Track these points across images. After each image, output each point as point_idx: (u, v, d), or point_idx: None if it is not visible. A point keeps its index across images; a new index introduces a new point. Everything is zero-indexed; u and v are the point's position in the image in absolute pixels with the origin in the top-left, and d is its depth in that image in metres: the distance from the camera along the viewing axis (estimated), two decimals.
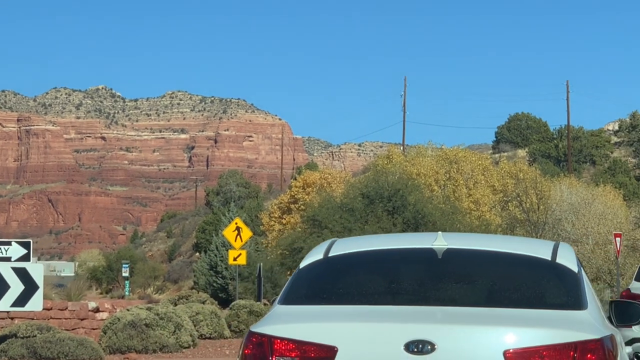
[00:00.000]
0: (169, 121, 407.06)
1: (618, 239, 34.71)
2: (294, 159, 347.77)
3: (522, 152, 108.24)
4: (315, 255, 7.53)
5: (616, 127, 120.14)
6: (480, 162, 65.06)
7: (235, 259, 43.65)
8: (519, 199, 45.46)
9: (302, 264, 7.47)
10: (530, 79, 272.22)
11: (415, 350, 6.30)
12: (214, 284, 77.82)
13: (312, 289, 7.21)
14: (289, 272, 62.65)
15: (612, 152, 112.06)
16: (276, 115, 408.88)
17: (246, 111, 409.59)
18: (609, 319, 7.73)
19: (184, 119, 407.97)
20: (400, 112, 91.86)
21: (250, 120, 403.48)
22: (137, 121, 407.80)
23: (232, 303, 33.93)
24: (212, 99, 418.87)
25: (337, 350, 6.38)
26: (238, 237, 44.92)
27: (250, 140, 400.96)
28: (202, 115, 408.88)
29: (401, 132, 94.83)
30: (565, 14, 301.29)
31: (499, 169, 67.01)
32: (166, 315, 25.89)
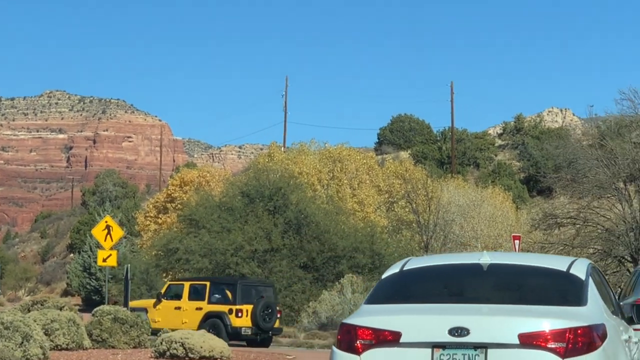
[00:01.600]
0: (46, 121, 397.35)
1: (517, 241, 32.44)
2: (173, 160, 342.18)
3: (404, 154, 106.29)
4: (393, 269, 10.03)
5: (500, 130, 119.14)
6: (365, 161, 62.64)
7: (104, 260, 39.97)
8: (408, 198, 43.05)
9: (383, 276, 9.99)
10: (414, 80, 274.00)
11: (456, 334, 8.67)
12: (88, 286, 74.04)
13: (388, 293, 9.63)
14: (164, 275, 59.51)
15: (496, 155, 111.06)
16: (156, 116, 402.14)
17: (126, 112, 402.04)
18: (630, 318, 10.20)
19: (62, 118, 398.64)
20: (282, 112, 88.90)
21: (129, 121, 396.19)
22: (13, 120, 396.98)
23: (95, 309, 30.40)
24: (91, 98, 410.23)
25: (401, 334, 8.79)
26: (108, 236, 41.16)
27: (130, 141, 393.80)
28: (81, 115, 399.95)
29: (282, 134, 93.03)
30: (446, 15, 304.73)
31: (384, 168, 64.71)
32: (12, 324, 22.41)
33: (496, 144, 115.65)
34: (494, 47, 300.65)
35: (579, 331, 8.72)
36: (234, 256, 48.98)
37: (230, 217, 50.64)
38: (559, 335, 8.68)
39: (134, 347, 23.55)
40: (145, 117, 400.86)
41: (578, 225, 35.70)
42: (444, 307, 9.21)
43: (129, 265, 42.80)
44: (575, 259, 10.05)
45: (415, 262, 10.25)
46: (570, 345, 8.68)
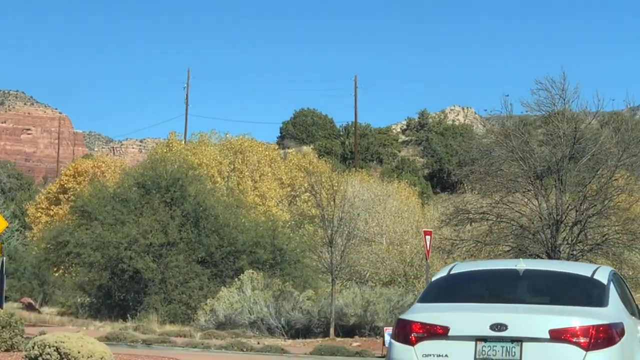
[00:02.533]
0: None
1: (428, 237, 30.55)
2: (73, 154, 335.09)
3: (307, 149, 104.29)
4: (442, 273, 11.51)
5: (404, 126, 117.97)
6: (267, 152, 60.42)
7: None
8: (312, 191, 40.96)
9: (433, 279, 11.46)
10: (318, 74, 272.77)
11: (496, 329, 10.03)
12: None
13: (437, 293, 11.05)
14: (55, 269, 56.66)
15: (400, 151, 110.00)
16: (56, 109, 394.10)
17: (25, 103, 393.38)
18: None
19: None
20: (184, 105, 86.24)
21: (29, 113, 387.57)
22: None
23: None
24: None
25: (449, 329, 10.19)
26: None
27: (29, 134, 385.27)
28: None
29: (184, 128, 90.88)
30: (350, 8, 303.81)
31: (287, 161, 62.61)
32: None
33: (400, 140, 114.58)
34: (398, 43, 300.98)
35: (601, 328, 9.95)
36: (127, 250, 46.63)
37: (124, 209, 48.15)
38: (583, 331, 9.92)
39: (6, 350, 20.99)
40: (45, 110, 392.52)
41: (491, 221, 33.89)
42: (486, 306, 10.49)
43: (5, 258, 39.80)
44: (599, 267, 11.53)
45: (461, 267, 11.74)
46: (592, 340, 9.91)
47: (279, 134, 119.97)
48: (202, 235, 47.81)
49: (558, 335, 9.94)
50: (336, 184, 44.43)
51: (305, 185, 53.98)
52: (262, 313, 40.29)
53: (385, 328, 33.80)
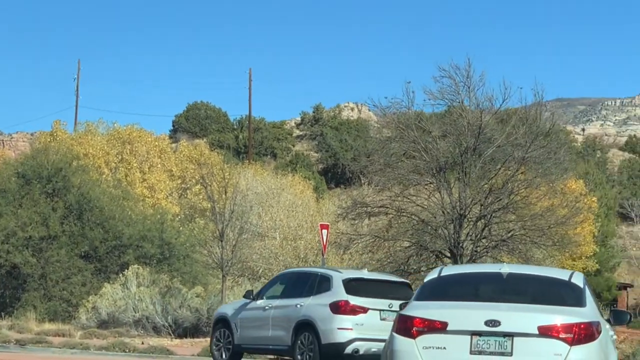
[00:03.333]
0: None
1: (325, 230, 28.60)
2: None
3: (200, 143, 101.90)
4: (433, 275, 12.50)
5: (299, 121, 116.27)
6: (157, 143, 57.92)
7: None
8: (203, 182, 38.87)
9: (426, 280, 12.42)
10: (211, 67, 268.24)
11: (490, 325, 11.07)
12: None
13: (432, 293, 12.01)
14: None
15: (294, 146, 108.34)
16: None
17: None
18: (608, 320, 12.61)
19: None
20: (75, 97, 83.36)
21: None
22: None
23: None
24: None
25: (448, 324, 11.21)
26: None
27: None
28: None
29: (74, 119, 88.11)
30: (249, 3, 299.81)
31: (178, 152, 60.21)
32: None
33: (294, 134, 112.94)
34: (293, 37, 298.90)
35: (582, 326, 11.08)
36: (4, 244, 43.83)
37: (2, 200, 45.28)
38: (568, 328, 11.03)
39: None
40: None
41: (391, 215, 32.05)
42: (481, 304, 11.44)
43: None
44: (573, 272, 12.60)
45: (449, 270, 12.83)
46: (576, 336, 11.02)
47: (172, 127, 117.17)
48: (86, 228, 45.27)
49: (546, 331, 11.09)
50: (228, 176, 42.41)
51: (197, 177, 51.69)
52: (148, 311, 38.16)
53: None
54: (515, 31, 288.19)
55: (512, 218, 31.56)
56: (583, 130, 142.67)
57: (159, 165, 56.14)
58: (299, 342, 21.24)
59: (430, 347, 11.23)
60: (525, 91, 31.42)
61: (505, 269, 12.21)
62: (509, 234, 31.06)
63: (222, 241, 36.36)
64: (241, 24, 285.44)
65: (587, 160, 76.86)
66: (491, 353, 11.10)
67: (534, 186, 31.34)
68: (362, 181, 40.29)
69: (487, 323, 11.09)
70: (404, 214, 31.91)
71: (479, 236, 31.22)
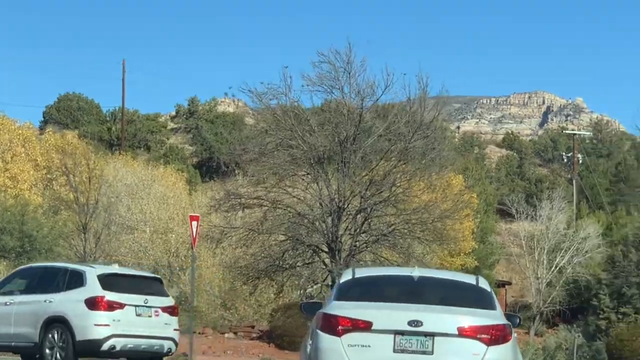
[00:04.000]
0: None
1: (195, 222, 26.59)
2: None
3: (72, 134, 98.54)
4: (347, 276, 12.77)
5: (174, 113, 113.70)
6: (21, 131, 54.94)
7: None
8: (66, 171, 36.55)
9: (342, 281, 12.71)
10: (85, 58, 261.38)
11: (413, 324, 11.56)
12: None
13: (351, 293, 12.36)
14: None
15: (168, 139, 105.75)
16: None
17: None
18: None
19: None
20: None
21: None
22: None
23: None
24: None
25: (372, 323, 11.61)
26: None
27: None
28: None
29: None
30: None
31: (44, 141, 57.28)
32: None
33: (169, 127, 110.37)
34: (169, 30, 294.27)
35: (499, 327, 11.89)
36: None
37: None
38: (485, 329, 11.77)
39: None
40: None
41: (266, 208, 30.21)
42: (404, 305, 12.01)
43: None
44: (477, 276, 13.18)
45: (362, 272, 13.22)
46: (492, 337, 11.78)
47: (42, 119, 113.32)
48: None
49: (465, 332, 11.63)
50: (93, 165, 40.10)
51: (63, 167, 49.01)
52: None
53: None
54: (398, 23, 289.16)
55: (393, 211, 30.08)
56: (458, 128, 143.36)
57: (23, 155, 53.23)
58: (49, 338, 20.37)
59: (355, 345, 11.63)
60: (409, 78, 29.75)
61: (416, 272, 12.77)
62: (390, 228, 29.57)
63: (84, 233, 34.05)
64: (115, 16, 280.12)
65: (466, 156, 76.30)
66: (413, 352, 11.60)
67: (416, 178, 29.90)
68: (237, 172, 38.38)
69: (410, 323, 11.56)
70: (280, 206, 30.17)
71: (358, 230, 29.69)
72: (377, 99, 29.77)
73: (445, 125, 31.45)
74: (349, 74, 29.83)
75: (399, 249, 29.59)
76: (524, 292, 63.22)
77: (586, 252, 53.40)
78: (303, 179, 30.39)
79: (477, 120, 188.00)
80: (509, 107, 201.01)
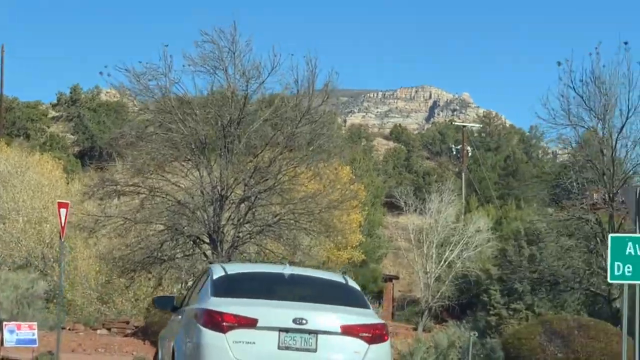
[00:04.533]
0: None
1: (63, 209, 24.49)
2: None
3: None
4: (220, 272, 12.76)
5: (55, 101, 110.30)
6: None
7: None
8: None
9: (215, 277, 12.61)
10: None
11: (297, 322, 11.69)
12: None
13: (228, 290, 12.33)
14: None
15: (49, 127, 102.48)
16: None
17: None
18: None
19: None
20: None
21: None
22: None
23: None
24: None
25: (258, 320, 11.68)
26: None
27: None
28: None
29: None
30: None
31: None
32: None
33: (50, 115, 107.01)
34: (51, 16, 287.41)
35: (379, 326, 12.18)
36: None
37: None
38: (367, 328, 12.00)
39: None
40: None
41: (144, 196, 28.24)
42: (290, 303, 12.15)
43: None
44: (343, 275, 13.78)
45: (233, 267, 13.38)
46: (373, 336, 12.00)
47: None
48: None
49: (347, 330, 11.84)
50: None
51: None
52: None
53: (5, 323, 27.43)
54: (287, 15, 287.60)
55: (278, 201, 28.40)
56: (345, 121, 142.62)
57: None
58: None
59: (240, 342, 11.63)
60: (297, 59, 28.17)
61: (288, 270, 12.96)
62: (275, 219, 27.89)
63: None
64: None
65: (353, 147, 75.14)
66: (297, 349, 11.72)
67: (303, 166, 28.29)
68: (116, 159, 36.23)
69: (294, 321, 11.68)
70: (159, 194, 28.26)
71: (242, 220, 27.96)
72: (263, 81, 28.00)
73: (334, 110, 29.78)
74: (234, 54, 28.07)
75: (284, 241, 27.97)
76: (412, 286, 62.28)
77: (476, 246, 52.57)
78: (183, 165, 28.53)
79: (364, 114, 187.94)
80: (395, 101, 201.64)
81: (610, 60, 33.33)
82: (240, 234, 27.94)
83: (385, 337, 12.14)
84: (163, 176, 28.32)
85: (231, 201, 27.95)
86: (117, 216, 28.43)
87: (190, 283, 32.99)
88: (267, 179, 27.76)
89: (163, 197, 28.21)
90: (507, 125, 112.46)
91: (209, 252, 27.97)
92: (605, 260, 33.03)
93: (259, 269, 14.11)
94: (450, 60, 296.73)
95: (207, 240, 27.83)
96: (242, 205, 27.98)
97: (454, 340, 29.36)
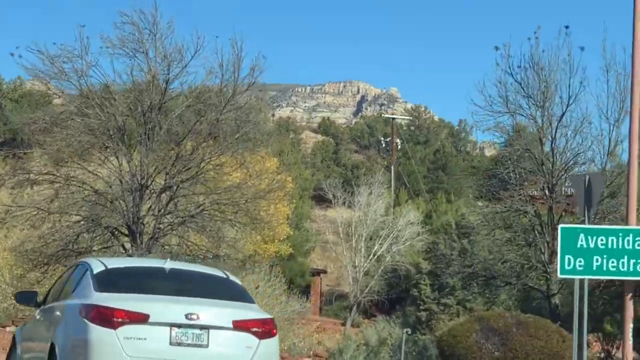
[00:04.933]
0: None
1: None
2: None
3: None
4: (98, 267, 12.55)
5: None
6: None
7: None
8: None
9: (95, 271, 12.40)
10: None
11: (189, 318, 11.57)
12: None
13: (111, 285, 12.09)
14: None
15: None
16: None
17: None
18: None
19: None
20: None
21: None
22: None
23: None
24: None
25: (149, 316, 11.46)
26: None
27: None
28: None
29: None
30: None
31: None
32: None
33: None
34: None
35: (268, 321, 12.19)
36: None
37: None
38: (258, 323, 12.00)
39: None
40: None
41: (58, 184, 26.66)
42: (181, 299, 12.00)
43: None
44: (222, 270, 14.13)
45: (112, 262, 13.14)
46: (263, 331, 12.01)
47: None
48: None
49: (239, 326, 11.90)
50: None
51: None
52: None
53: None
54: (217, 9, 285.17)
55: (202, 190, 27.00)
56: (273, 115, 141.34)
57: None
58: None
59: (131, 338, 11.42)
60: (222, 41, 26.92)
61: (168, 264, 12.91)
62: (199, 209, 26.49)
63: None
64: None
65: (281, 139, 73.93)
66: (189, 344, 11.59)
67: (228, 154, 26.96)
68: (31, 141, 34.48)
69: (187, 316, 11.57)
70: (74, 182, 26.67)
71: (163, 211, 26.49)
72: (186, 65, 26.55)
73: (261, 96, 28.48)
74: (155, 36, 26.63)
75: (208, 233, 26.58)
76: (340, 281, 61.27)
77: (406, 240, 51.64)
78: (101, 153, 26.98)
79: (292, 108, 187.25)
80: (324, 95, 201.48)
81: (550, 45, 32.15)
82: (161, 226, 26.52)
83: (274, 332, 12.19)
84: (79, 164, 26.78)
85: (152, 191, 26.53)
86: (29, 206, 26.78)
87: None
88: (189, 168, 26.38)
89: (79, 187, 26.67)
90: (436, 119, 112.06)
91: (128, 245, 26.51)
92: (544, 254, 32.16)
93: (138, 263, 14.21)
94: (378, 55, 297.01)
95: (126, 232, 26.36)
96: (164, 195, 26.57)
97: (385, 337, 28.26)
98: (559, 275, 18.64)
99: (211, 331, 11.67)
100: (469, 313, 41.66)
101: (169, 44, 26.70)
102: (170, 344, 11.53)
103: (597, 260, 17.94)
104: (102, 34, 26.61)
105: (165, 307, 11.62)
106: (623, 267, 18.43)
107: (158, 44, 26.67)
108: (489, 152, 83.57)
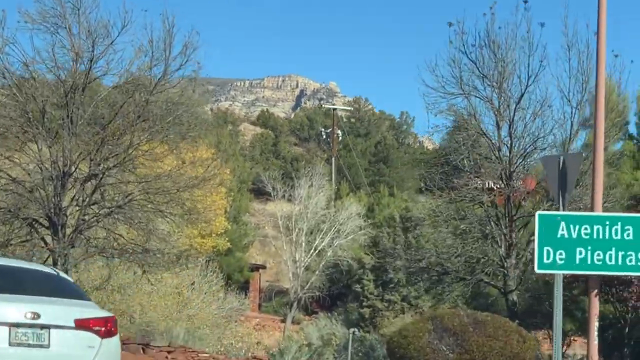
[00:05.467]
0: None
1: None
2: None
3: None
4: None
5: None
6: None
7: None
8: None
9: None
10: None
11: (29, 317, 11.08)
12: None
13: None
14: None
15: None
16: None
17: None
18: None
19: None
20: None
21: None
22: None
23: None
24: None
25: None
26: None
27: None
28: None
29: None
30: None
31: None
32: None
33: None
34: None
35: (110, 320, 11.96)
36: None
37: None
38: (100, 322, 11.74)
39: None
40: None
41: None
42: (23, 297, 11.36)
43: None
44: (49, 266, 14.21)
45: None
46: (106, 330, 11.76)
47: None
48: None
49: (81, 325, 11.53)
50: None
51: None
52: None
53: None
54: None
55: (131, 179, 24.86)
56: (211, 109, 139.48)
57: None
58: None
59: None
60: (151, 16, 25.00)
61: None
62: (127, 199, 24.34)
63: None
64: None
65: (219, 130, 72.02)
66: (29, 345, 11.19)
67: (159, 138, 24.85)
68: None
69: (27, 315, 11.17)
70: None
71: (87, 201, 24.29)
72: (113, 41, 24.36)
73: (194, 76, 26.32)
74: (79, 10, 24.43)
75: (136, 224, 24.44)
76: (280, 276, 59.55)
77: (348, 233, 49.86)
78: (18, 138, 24.71)
79: (231, 102, 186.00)
80: (262, 90, 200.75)
81: (507, 22, 29.90)
82: (86, 217, 24.34)
83: (115, 331, 12.06)
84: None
85: (75, 179, 24.33)
86: None
87: None
88: (117, 154, 24.23)
89: None
90: (377, 112, 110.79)
91: (48, 238, 24.30)
92: (501, 248, 30.25)
93: None
94: (317, 50, 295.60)
95: (47, 224, 24.14)
96: (88, 183, 24.38)
97: (330, 337, 26.40)
98: (537, 271, 16.53)
99: (52, 330, 11.30)
100: (415, 310, 39.95)
101: (94, 18, 24.50)
102: (10, 344, 11.04)
103: (580, 253, 15.86)
104: (20, 7, 24.41)
105: (3, 306, 11.10)
106: (610, 260, 16.28)
107: (82, 19, 24.48)
108: (430, 146, 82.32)
